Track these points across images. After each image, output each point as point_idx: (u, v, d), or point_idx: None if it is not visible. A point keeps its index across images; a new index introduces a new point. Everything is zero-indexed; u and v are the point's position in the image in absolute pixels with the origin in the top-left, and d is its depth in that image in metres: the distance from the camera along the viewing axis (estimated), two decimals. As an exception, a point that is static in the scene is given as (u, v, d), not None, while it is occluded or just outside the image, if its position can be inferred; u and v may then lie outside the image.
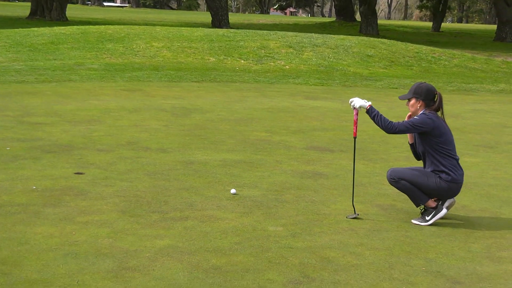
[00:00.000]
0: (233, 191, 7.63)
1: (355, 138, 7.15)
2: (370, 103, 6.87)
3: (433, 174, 6.80)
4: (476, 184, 8.64)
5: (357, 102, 6.87)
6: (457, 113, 14.92)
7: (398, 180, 6.82)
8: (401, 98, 7.11)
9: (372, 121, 6.88)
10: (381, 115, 6.81)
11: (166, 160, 9.14)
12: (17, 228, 6.13)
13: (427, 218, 6.84)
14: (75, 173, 8.21)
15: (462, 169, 6.90)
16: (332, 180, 8.51)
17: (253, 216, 6.84)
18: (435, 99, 6.87)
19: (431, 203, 6.85)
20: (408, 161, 9.55)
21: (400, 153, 10.33)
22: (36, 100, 14.15)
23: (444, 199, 6.93)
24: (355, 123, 7.05)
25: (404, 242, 6.24)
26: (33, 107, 13.09)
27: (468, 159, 10.12)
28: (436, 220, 6.83)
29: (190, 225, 6.45)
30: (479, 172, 9.39)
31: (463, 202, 7.67)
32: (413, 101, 6.91)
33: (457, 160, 6.87)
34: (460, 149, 10.61)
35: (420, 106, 6.88)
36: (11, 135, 10.30)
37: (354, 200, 7.13)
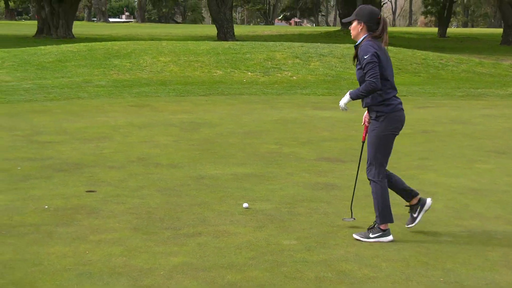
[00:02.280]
0: (245, 205, 7.59)
1: (363, 142, 7.01)
2: (348, 92, 6.61)
3: (374, 122, 6.54)
4: (490, 191, 8.57)
5: (342, 103, 6.66)
6: (467, 118, 14.82)
7: (376, 182, 6.53)
8: (344, 21, 6.84)
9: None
10: (360, 89, 6.43)
11: (177, 176, 9.12)
12: (30, 249, 6.10)
13: (371, 236, 6.50)
14: (87, 191, 8.19)
15: (399, 99, 6.56)
16: (344, 191, 8.45)
17: (267, 230, 6.80)
18: (379, 23, 6.48)
19: (384, 226, 6.54)
20: (419, 170, 9.52)
21: (411, 161, 10.27)
22: (45, 118, 14.16)
23: (396, 132, 6.55)
24: (365, 128, 6.90)
25: (420, 253, 6.18)
26: (43, 126, 13.10)
27: (479, 165, 10.06)
28: (377, 241, 6.52)
29: (204, 241, 6.41)
30: (492, 179, 9.31)
31: (477, 210, 7.61)
32: (354, 23, 6.52)
33: (395, 92, 6.53)
34: (471, 155, 10.57)
35: (361, 30, 6.50)
36: (22, 155, 10.29)
37: (367, 210, 7.08)
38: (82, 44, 29.06)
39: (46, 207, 7.47)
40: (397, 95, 6.59)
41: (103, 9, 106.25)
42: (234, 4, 56.81)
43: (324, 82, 23.10)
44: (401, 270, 5.71)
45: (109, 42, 29.47)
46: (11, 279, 5.38)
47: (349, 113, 15.69)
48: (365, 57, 6.34)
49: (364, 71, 6.38)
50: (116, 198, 7.91)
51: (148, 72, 23.58)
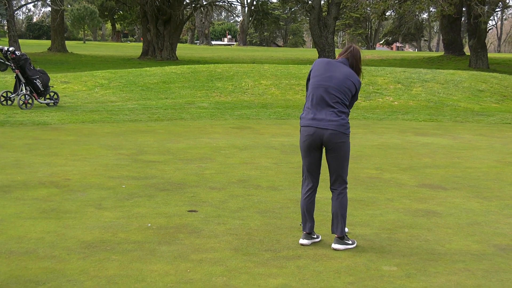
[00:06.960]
0: (345, 229, 7.56)
1: None
2: None
3: None
4: None
5: None
6: None
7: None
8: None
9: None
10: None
11: (277, 198, 9.18)
12: (133, 266, 6.26)
13: (350, 242, 7.05)
14: (189, 211, 8.35)
15: (313, 115, 7.05)
16: (446, 218, 8.33)
17: (366, 255, 6.77)
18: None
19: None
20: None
21: (516, 191, 10.03)
22: (149, 138, 14.51)
23: (309, 148, 7.15)
24: None
25: (524, 284, 6.03)
26: (147, 146, 13.42)
27: None
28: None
29: (303, 264, 6.44)
30: None
31: None
32: None
33: (312, 105, 7.03)
34: None
35: None
36: (126, 173, 10.57)
37: (469, 239, 6.96)
38: (185, 66, 29.67)
39: (149, 225, 7.65)
40: None
41: (206, 32, 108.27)
42: (336, 28, 56.90)
43: (426, 108, 22.82)
44: (504, 302, 5.59)
45: (212, 65, 29.97)
46: (115, 294, 5.54)
47: (451, 140, 15.51)
48: None
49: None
50: (217, 218, 8.03)
51: (250, 95, 23.85)
